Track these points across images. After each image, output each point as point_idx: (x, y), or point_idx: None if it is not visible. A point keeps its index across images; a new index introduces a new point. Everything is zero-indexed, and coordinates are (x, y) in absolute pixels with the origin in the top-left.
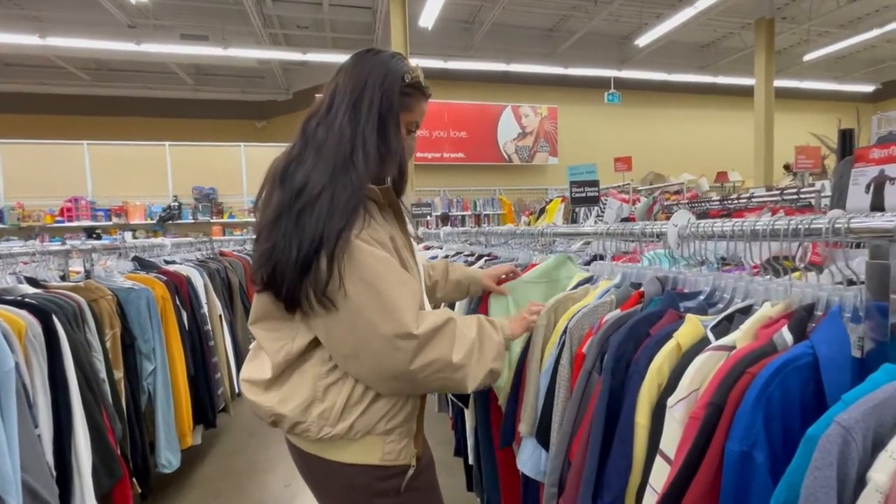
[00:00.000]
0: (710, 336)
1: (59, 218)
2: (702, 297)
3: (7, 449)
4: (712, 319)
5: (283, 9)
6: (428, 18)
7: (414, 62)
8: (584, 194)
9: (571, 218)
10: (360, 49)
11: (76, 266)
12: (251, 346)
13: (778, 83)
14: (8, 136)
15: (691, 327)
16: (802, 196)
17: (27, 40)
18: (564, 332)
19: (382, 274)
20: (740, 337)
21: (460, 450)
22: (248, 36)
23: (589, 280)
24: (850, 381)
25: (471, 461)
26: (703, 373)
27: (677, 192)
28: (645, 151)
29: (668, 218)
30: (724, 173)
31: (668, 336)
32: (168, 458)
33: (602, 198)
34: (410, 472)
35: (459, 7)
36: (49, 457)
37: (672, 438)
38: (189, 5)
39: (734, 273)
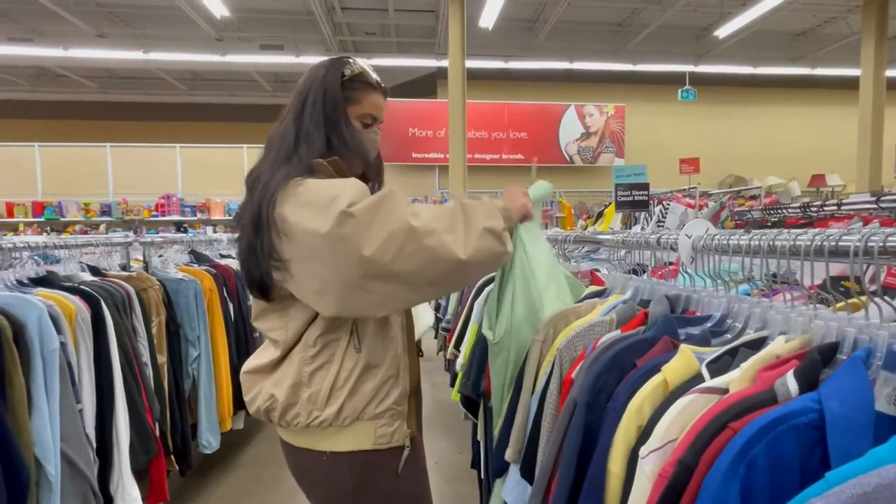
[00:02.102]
0: (705, 373)
1: (154, 213)
2: (709, 324)
3: (49, 420)
4: (713, 352)
5: (351, 16)
6: (488, 19)
7: (471, 63)
8: (630, 198)
9: (630, 223)
10: (423, 52)
11: (141, 255)
12: (259, 348)
13: (891, 73)
14: (118, 141)
15: (683, 361)
16: None
17: (134, 56)
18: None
19: (320, 189)
20: (736, 378)
21: (476, 462)
22: (318, 44)
23: (601, 293)
24: (869, 448)
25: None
26: (683, 420)
27: (753, 197)
28: (724, 152)
29: (737, 225)
30: (821, 176)
31: (656, 369)
32: (208, 440)
33: (664, 202)
34: (406, 453)
35: (522, 6)
36: (91, 431)
37: (640, 497)
38: (268, 17)
39: (775, 295)
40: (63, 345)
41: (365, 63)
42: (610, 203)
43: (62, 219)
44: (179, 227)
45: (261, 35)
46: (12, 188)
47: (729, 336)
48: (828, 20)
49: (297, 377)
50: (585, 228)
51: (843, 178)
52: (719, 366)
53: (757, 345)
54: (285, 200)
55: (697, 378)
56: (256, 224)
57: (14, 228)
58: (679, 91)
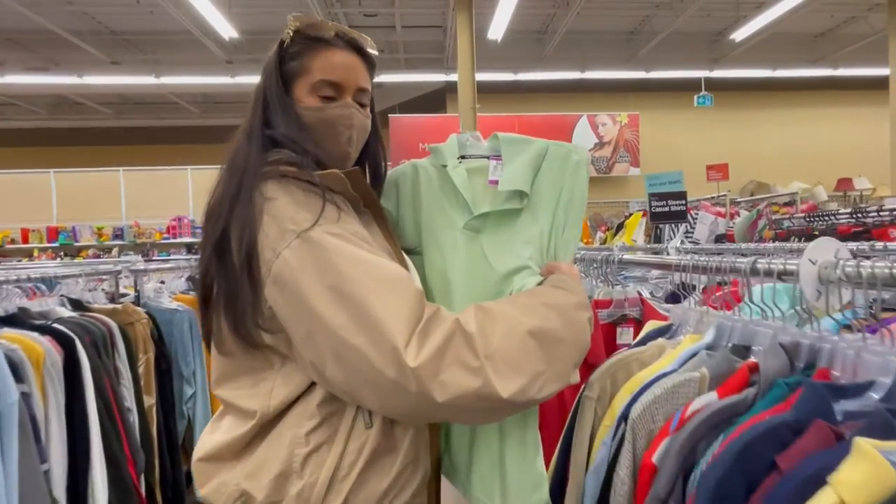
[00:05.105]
0: None
1: (165, 235)
2: (876, 396)
3: (5, 487)
4: None
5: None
6: (496, 31)
7: (480, 76)
8: (666, 208)
9: (654, 235)
10: (431, 67)
11: (148, 283)
12: (211, 419)
13: None
14: (130, 164)
15: (867, 467)
16: None
17: (146, 80)
18: (624, 417)
19: (357, 278)
20: None
21: None
22: None
23: (665, 331)
24: None
25: None
26: None
27: (789, 204)
28: (743, 159)
29: (776, 238)
30: (848, 180)
31: (819, 480)
32: None
33: (691, 211)
34: None
35: (531, 17)
36: (61, 492)
37: None
38: (276, 38)
39: None
40: (26, 395)
41: (299, 16)
42: (630, 214)
43: (76, 243)
44: (190, 248)
45: None
46: (28, 214)
47: None
48: (847, 20)
49: (285, 463)
50: (604, 241)
51: (871, 181)
52: None
53: None
54: (294, 262)
55: None
56: (226, 263)
57: (29, 254)
58: (695, 97)
